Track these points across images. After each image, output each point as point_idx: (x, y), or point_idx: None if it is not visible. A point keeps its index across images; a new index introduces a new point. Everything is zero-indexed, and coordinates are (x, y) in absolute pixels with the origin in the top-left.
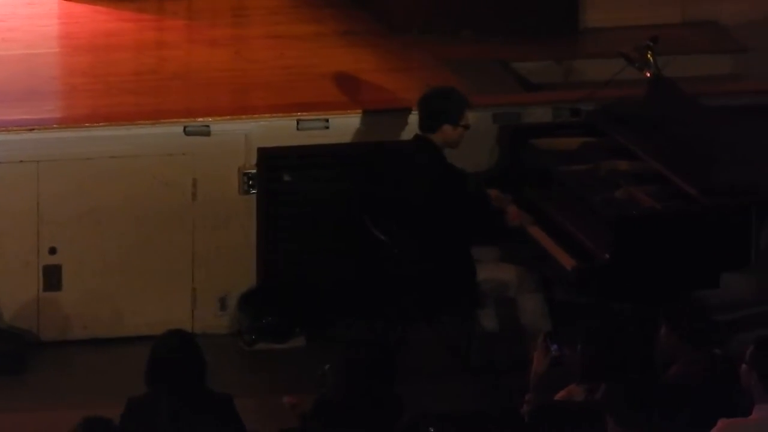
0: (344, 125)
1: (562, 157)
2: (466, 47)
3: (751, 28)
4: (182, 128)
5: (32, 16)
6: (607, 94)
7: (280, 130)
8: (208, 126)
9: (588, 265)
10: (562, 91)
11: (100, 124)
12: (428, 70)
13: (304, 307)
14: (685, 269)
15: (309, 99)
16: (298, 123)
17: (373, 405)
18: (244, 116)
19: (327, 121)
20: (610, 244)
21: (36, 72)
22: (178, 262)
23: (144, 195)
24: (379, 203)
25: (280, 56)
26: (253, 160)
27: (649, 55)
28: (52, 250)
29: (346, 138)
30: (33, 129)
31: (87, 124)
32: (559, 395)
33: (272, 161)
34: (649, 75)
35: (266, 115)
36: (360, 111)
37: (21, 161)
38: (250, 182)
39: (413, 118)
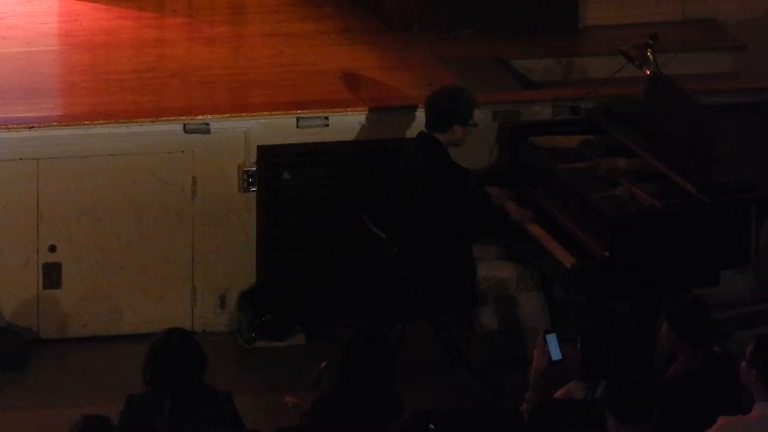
0: (344, 123)
1: (562, 154)
2: (465, 45)
3: (750, 25)
4: (182, 126)
5: (32, 13)
6: (606, 92)
7: (279, 127)
8: (207, 124)
9: (588, 263)
10: (561, 88)
11: (100, 121)
12: (428, 68)
13: (303, 305)
14: (684, 267)
15: (308, 97)
16: (297, 121)
17: (372, 403)
18: (243, 114)
19: (327, 118)
20: (610, 242)
21: (36, 70)
22: (177, 259)
23: (144, 193)
24: (379, 201)
25: (279, 54)
26: (253, 157)
27: (648, 53)
28: (52, 248)
29: (346, 136)
30: (33, 127)
31: (86, 122)
32: (559, 393)
33: (272, 159)
34: (648, 73)
35: (266, 112)
36: (360, 109)
37: (21, 159)
38: (250, 180)
39: (413, 115)
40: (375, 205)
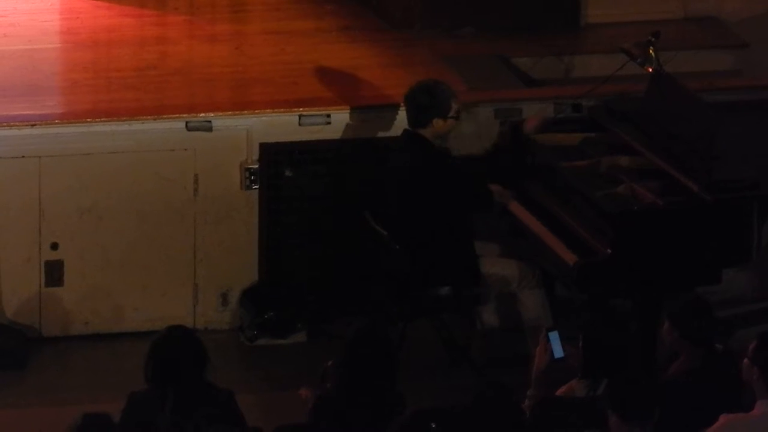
0: (346, 121)
1: (564, 152)
2: (467, 43)
3: (752, 23)
4: (184, 124)
5: (33, 11)
6: (608, 90)
7: (281, 125)
8: (209, 121)
9: (589, 261)
10: (563, 86)
11: (102, 119)
12: (429, 66)
13: (305, 302)
14: (686, 265)
15: (310, 94)
16: (299, 118)
17: (374, 401)
18: (245, 112)
19: (329, 116)
20: (612, 240)
21: (37, 67)
22: (179, 257)
23: (146, 190)
24: (381, 199)
25: (281, 52)
26: (255, 155)
27: (650, 51)
28: (54, 246)
29: (348, 133)
30: (34, 124)
31: (88, 120)
32: (561, 391)
33: (274, 156)
34: (650, 70)
35: (268, 110)
36: (362, 107)
37: (22, 157)
38: (252, 177)
39: None
40: (376, 203)
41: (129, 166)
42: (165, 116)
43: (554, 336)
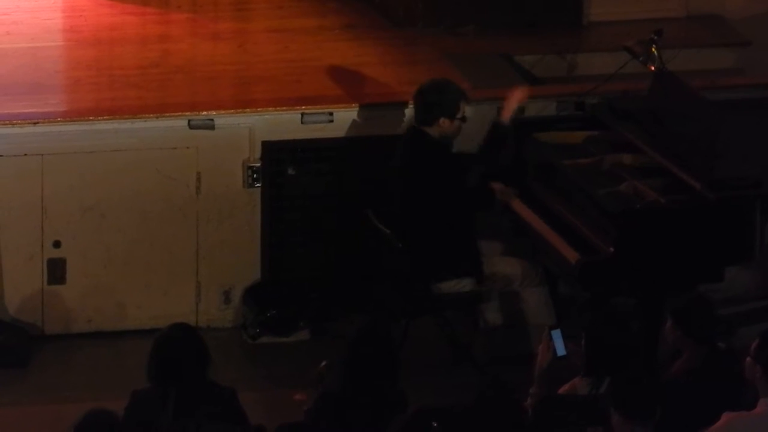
0: (348, 119)
1: (566, 150)
2: (469, 41)
3: (754, 21)
4: (186, 122)
5: (36, 9)
6: (611, 88)
7: (284, 123)
8: (212, 119)
9: (592, 259)
10: (566, 84)
11: (104, 117)
12: (432, 64)
13: (308, 300)
14: (689, 263)
15: (313, 92)
16: (302, 116)
17: (376, 399)
18: (248, 110)
19: (331, 114)
20: (615, 238)
21: (40, 65)
22: (182, 255)
23: (148, 189)
24: (383, 197)
25: (283, 50)
26: (258, 153)
27: (653, 49)
28: (57, 244)
29: (350, 132)
30: (37, 122)
31: (91, 118)
32: (564, 389)
33: (276, 155)
34: (653, 69)
35: (270, 108)
36: (364, 105)
37: (25, 155)
38: (255, 176)
39: None
40: (379, 201)
41: (131, 164)
42: (168, 114)
43: (557, 334)
